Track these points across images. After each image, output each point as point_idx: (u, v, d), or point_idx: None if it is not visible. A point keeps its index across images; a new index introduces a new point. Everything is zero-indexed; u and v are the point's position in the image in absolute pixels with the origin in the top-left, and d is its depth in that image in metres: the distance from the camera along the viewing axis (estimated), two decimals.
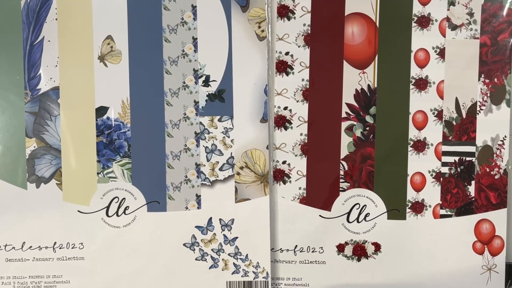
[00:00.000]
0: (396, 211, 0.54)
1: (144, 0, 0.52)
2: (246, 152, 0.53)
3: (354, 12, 0.53)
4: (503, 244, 0.55)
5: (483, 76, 0.54)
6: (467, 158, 0.54)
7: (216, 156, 0.53)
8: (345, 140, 0.54)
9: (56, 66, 0.51)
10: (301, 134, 0.54)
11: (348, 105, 0.54)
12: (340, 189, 0.54)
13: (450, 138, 0.54)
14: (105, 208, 0.52)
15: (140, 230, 0.53)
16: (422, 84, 0.54)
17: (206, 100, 0.53)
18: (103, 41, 0.52)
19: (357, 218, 0.54)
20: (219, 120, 0.53)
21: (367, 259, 0.55)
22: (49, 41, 0.51)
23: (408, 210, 0.54)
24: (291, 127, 0.54)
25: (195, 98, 0.53)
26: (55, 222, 0.52)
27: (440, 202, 0.54)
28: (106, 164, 0.52)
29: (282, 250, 0.54)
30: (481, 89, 0.54)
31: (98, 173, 0.52)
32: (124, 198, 0.52)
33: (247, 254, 0.53)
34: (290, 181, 0.54)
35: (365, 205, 0.54)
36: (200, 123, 0.53)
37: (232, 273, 0.54)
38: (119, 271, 0.53)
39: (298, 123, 0.54)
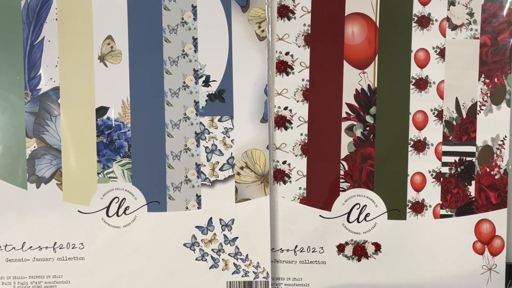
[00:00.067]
0: (396, 211, 0.54)
1: (144, 0, 0.52)
2: (246, 152, 0.53)
3: (354, 12, 0.53)
4: (503, 244, 0.55)
5: (483, 76, 0.54)
6: (467, 158, 0.54)
7: (216, 156, 0.53)
8: (345, 140, 0.54)
9: (56, 66, 0.51)
10: (301, 134, 0.54)
11: (348, 105, 0.54)
12: (340, 189, 0.54)
13: (450, 138, 0.54)
14: (105, 208, 0.52)
15: (140, 230, 0.53)
16: (422, 84, 0.54)
17: (206, 100, 0.53)
18: (103, 41, 0.52)
19: (357, 218, 0.54)
20: (219, 120, 0.53)
21: (367, 259, 0.55)
22: (49, 41, 0.51)
23: (408, 210, 0.54)
24: (291, 127, 0.54)
25: (195, 98, 0.53)
26: (55, 222, 0.52)
27: (440, 202, 0.54)
28: (106, 164, 0.52)
29: (282, 250, 0.54)
30: (481, 89, 0.54)
31: (98, 173, 0.52)
32: (124, 198, 0.52)
33: (247, 254, 0.53)
34: (290, 181, 0.54)
35: (365, 205, 0.54)
36: (200, 123, 0.53)
37: (232, 273, 0.53)
38: (119, 271, 0.53)
39: (298, 123, 0.54)
